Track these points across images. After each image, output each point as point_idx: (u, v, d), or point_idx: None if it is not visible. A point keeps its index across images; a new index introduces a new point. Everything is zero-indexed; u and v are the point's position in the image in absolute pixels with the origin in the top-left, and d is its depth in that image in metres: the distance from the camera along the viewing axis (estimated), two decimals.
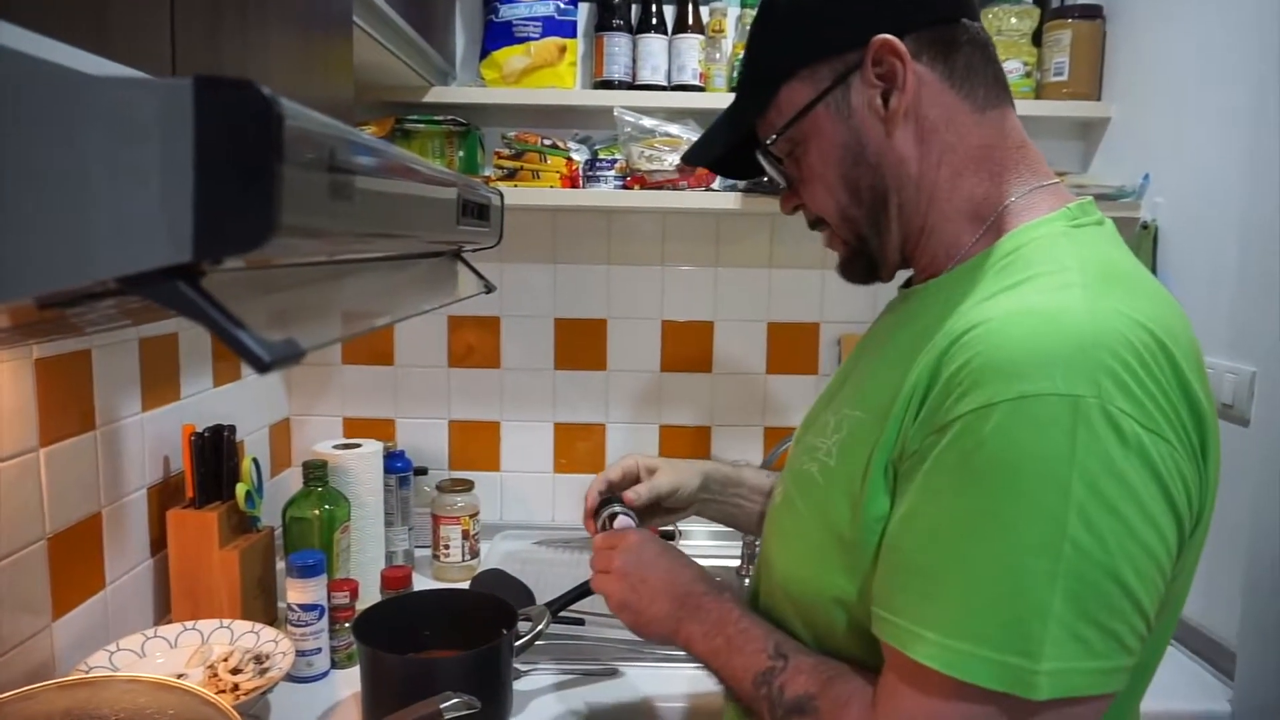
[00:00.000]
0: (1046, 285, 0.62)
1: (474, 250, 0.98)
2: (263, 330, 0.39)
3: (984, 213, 0.71)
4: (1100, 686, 0.55)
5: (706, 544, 1.75)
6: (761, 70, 0.78)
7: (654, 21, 1.60)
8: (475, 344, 1.78)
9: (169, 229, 0.34)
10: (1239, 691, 1.21)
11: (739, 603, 0.81)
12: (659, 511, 1.05)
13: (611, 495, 1.01)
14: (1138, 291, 0.62)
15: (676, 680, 1.25)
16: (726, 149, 0.83)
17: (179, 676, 1.06)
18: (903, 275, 0.82)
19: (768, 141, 0.77)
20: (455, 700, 0.92)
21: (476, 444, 1.81)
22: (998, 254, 0.68)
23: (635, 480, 1.02)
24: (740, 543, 1.65)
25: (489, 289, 0.94)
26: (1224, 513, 1.30)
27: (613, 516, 0.98)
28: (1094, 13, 1.59)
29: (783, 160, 0.78)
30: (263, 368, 0.36)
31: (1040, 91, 1.60)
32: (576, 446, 1.81)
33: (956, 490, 0.58)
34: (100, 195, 0.35)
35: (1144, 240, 1.47)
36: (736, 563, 1.64)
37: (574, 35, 1.60)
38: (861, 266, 0.79)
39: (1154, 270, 1.45)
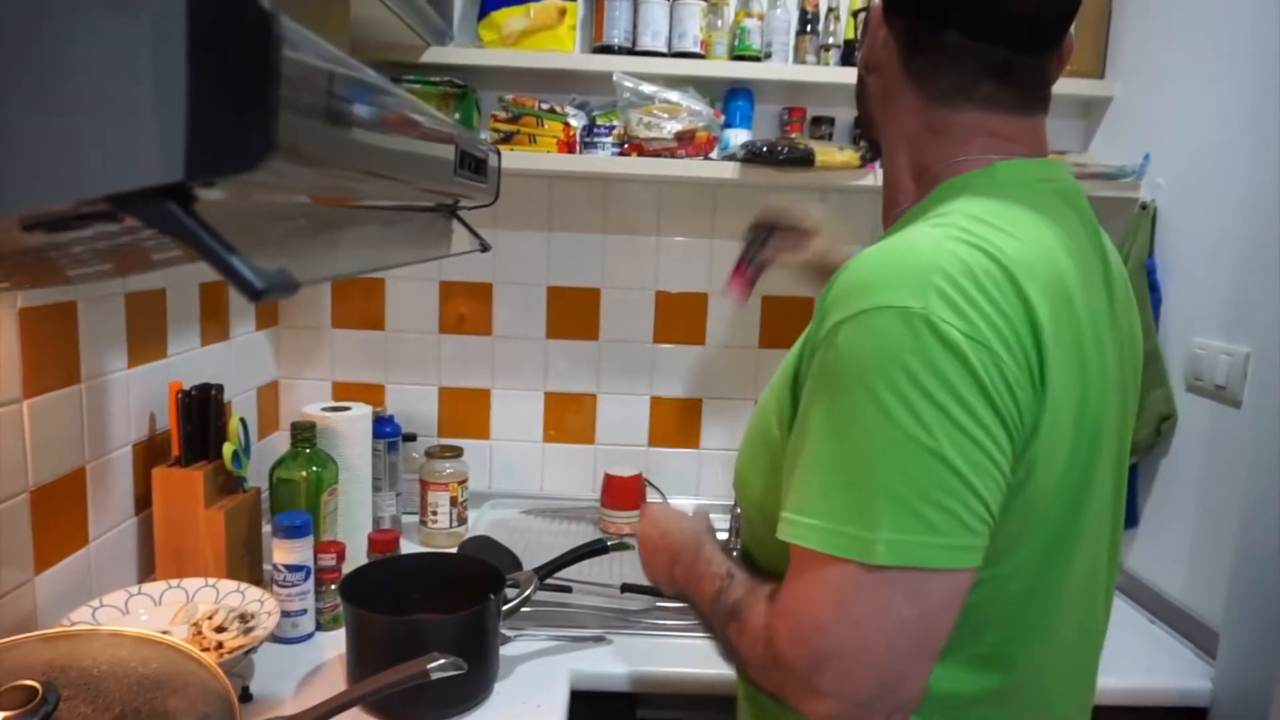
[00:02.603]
0: (922, 226, 0.69)
1: (470, 208, 0.96)
2: (257, 260, 0.38)
3: (927, 174, 0.77)
4: (946, 561, 0.61)
5: None
6: None
7: None
8: (467, 312, 1.76)
9: (161, 146, 0.33)
10: (1220, 671, 1.22)
11: (711, 543, 0.87)
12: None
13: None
14: (1007, 233, 0.66)
15: (662, 648, 1.26)
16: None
17: (163, 633, 1.06)
18: None
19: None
20: (442, 661, 0.91)
21: (466, 411, 1.80)
22: (915, 209, 0.75)
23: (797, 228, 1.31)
24: (728, 516, 1.65)
25: (484, 247, 0.93)
26: (1212, 494, 1.32)
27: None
28: None
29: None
30: (255, 295, 0.34)
31: None
32: (567, 416, 1.80)
33: (817, 396, 0.66)
34: (91, 111, 0.34)
35: (1142, 221, 1.46)
36: (725, 536, 1.64)
37: None
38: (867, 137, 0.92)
39: (1150, 250, 1.45)
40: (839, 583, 0.62)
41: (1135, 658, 1.31)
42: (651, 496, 1.72)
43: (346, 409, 1.49)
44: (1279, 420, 1.14)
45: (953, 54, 0.72)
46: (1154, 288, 1.44)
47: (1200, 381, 1.34)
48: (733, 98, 1.65)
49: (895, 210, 0.80)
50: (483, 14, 1.57)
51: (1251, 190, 1.26)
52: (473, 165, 0.77)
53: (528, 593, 1.19)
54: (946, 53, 0.73)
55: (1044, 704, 0.76)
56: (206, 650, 1.06)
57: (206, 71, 0.33)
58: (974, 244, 0.64)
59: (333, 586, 1.24)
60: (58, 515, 1.09)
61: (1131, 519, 1.49)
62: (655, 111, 1.52)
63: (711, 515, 1.68)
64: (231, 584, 1.20)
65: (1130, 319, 0.80)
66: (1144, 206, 1.47)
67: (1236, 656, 1.20)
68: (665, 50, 1.58)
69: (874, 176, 1.52)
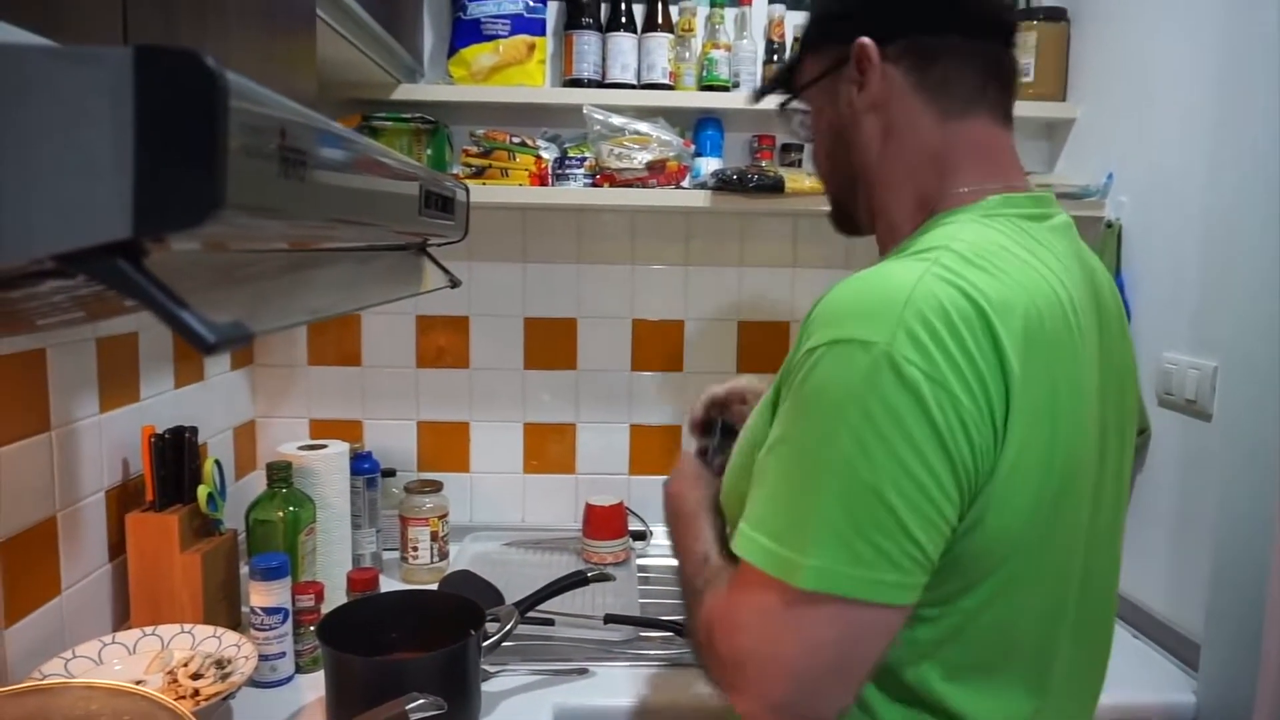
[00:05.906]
0: (908, 259, 0.68)
1: (440, 245, 0.97)
2: (212, 313, 0.38)
3: (927, 206, 0.77)
4: (868, 593, 0.62)
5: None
6: (804, 32, 0.86)
7: (624, 20, 1.59)
8: (445, 344, 1.76)
9: (108, 204, 0.33)
10: (1203, 683, 1.23)
11: (706, 517, 0.87)
12: None
13: (721, 417, 1.05)
14: (992, 271, 0.66)
15: (646, 679, 1.25)
16: (771, 92, 0.92)
17: (137, 683, 1.04)
18: None
19: (783, 100, 0.89)
20: (421, 701, 0.90)
21: (446, 445, 1.79)
22: (912, 239, 0.75)
23: (742, 399, 1.04)
24: None
25: (454, 284, 0.93)
26: (1188, 506, 1.33)
27: (725, 430, 1.03)
28: (1059, 14, 1.61)
29: (808, 115, 0.88)
30: (207, 349, 0.34)
31: None
32: (547, 447, 1.80)
33: (782, 418, 0.68)
34: (38, 169, 0.34)
35: (1108, 239, 1.49)
36: None
37: (543, 33, 1.59)
38: (840, 220, 0.90)
39: (1117, 268, 1.47)
40: (767, 598, 0.65)
41: (1120, 672, 1.29)
42: (633, 525, 1.71)
43: (323, 447, 1.48)
44: (1248, 432, 1.15)
45: (963, 56, 0.76)
46: (1123, 304, 1.46)
47: (1171, 396, 1.35)
48: (702, 127, 1.66)
49: (893, 243, 0.79)
50: (452, 51, 1.59)
51: (1210, 207, 1.28)
52: (439, 203, 0.77)
53: (509, 627, 1.18)
54: (957, 56, 0.75)
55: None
56: (182, 699, 1.04)
57: (153, 127, 0.33)
58: (952, 282, 0.64)
59: (311, 628, 1.23)
60: (28, 566, 1.08)
61: None
62: (626, 143, 1.54)
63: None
64: (208, 629, 1.19)
65: (1124, 351, 0.80)
66: (1109, 225, 1.49)
67: (1218, 668, 1.20)
68: (635, 82, 1.60)
69: None
